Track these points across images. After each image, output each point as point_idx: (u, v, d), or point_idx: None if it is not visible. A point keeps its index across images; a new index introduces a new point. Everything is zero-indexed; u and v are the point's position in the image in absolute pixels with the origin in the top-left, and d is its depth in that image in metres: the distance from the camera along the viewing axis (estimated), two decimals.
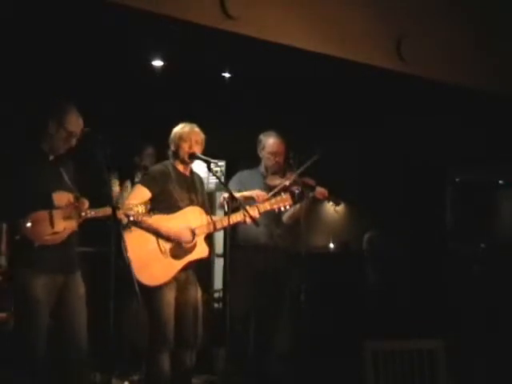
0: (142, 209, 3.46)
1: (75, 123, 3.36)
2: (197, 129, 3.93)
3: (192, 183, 3.95)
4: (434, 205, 7.14)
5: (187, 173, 3.96)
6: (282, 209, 4.15)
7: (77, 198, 3.31)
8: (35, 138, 3.36)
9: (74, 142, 3.39)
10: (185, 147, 3.86)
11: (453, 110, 5.81)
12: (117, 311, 3.12)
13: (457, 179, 8.00)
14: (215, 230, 3.92)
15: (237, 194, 4.19)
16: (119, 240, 3.23)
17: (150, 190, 3.75)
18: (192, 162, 3.92)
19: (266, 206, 4.09)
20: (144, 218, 3.58)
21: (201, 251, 3.85)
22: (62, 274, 3.33)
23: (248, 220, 3.90)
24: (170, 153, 3.94)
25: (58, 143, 3.36)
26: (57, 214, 3.24)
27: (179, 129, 3.93)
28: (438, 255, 6.81)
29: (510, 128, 5.77)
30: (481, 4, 5.13)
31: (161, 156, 4.93)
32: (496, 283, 6.06)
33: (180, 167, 3.92)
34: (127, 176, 5.02)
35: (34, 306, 3.19)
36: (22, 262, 3.21)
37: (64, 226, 3.26)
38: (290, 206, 4.20)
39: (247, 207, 3.95)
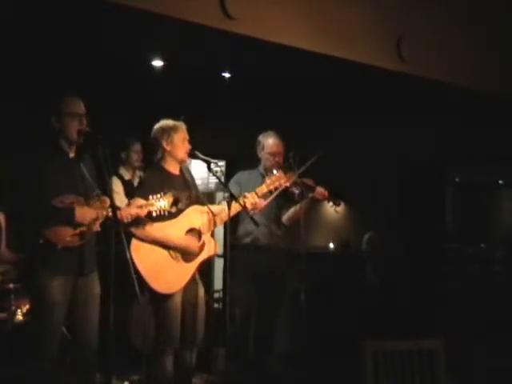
0: (164, 203, 3.41)
1: (73, 104, 3.30)
2: (184, 125, 3.84)
3: (184, 180, 3.89)
4: (433, 205, 7.14)
5: (177, 172, 3.87)
6: (279, 187, 4.11)
7: (98, 197, 3.26)
8: (53, 137, 3.29)
9: (84, 124, 3.28)
10: (185, 146, 3.80)
11: (453, 110, 5.81)
12: (117, 311, 3.11)
13: (457, 179, 8.00)
14: (215, 225, 3.89)
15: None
16: (119, 239, 3.21)
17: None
18: (189, 161, 3.88)
19: (263, 189, 4.05)
20: (151, 232, 3.58)
21: (211, 249, 3.85)
22: (79, 275, 3.28)
23: (250, 205, 3.88)
24: (161, 153, 3.80)
25: (69, 131, 3.26)
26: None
27: (169, 126, 3.79)
28: (437, 255, 6.80)
29: (510, 128, 5.77)
30: (481, 4, 5.13)
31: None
32: (496, 283, 6.06)
33: (171, 168, 3.81)
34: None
35: (50, 307, 3.17)
36: (40, 263, 3.17)
37: (85, 227, 3.21)
38: (286, 182, 4.16)
39: (246, 194, 3.94)
